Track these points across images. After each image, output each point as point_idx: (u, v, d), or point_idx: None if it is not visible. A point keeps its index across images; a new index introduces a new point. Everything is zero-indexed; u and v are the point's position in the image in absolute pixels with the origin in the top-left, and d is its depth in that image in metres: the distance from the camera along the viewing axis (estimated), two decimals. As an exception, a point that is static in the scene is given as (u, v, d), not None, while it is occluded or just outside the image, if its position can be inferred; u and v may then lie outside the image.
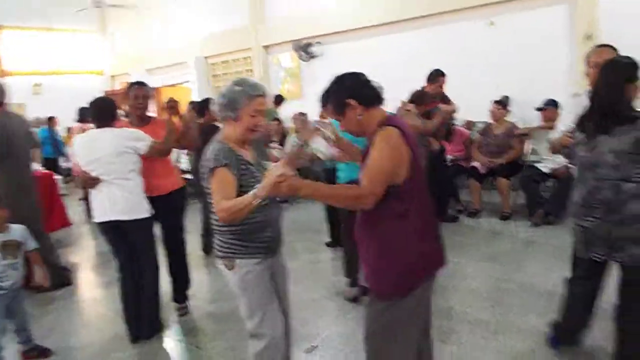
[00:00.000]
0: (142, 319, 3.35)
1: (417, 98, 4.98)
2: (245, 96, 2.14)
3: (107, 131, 3.19)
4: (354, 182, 1.89)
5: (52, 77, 13.07)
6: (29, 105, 12.35)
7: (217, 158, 2.10)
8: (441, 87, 5.39)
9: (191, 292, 3.87)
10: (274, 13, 10.02)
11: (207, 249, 5.10)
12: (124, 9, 12.00)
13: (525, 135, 5.71)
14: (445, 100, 5.38)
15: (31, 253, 3.17)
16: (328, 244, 5.01)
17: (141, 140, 3.23)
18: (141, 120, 3.52)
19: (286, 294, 2.50)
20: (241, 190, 2.08)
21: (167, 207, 3.50)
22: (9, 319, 3.07)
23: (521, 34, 6.74)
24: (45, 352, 3.25)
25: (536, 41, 6.55)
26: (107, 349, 3.33)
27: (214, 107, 2.29)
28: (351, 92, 1.91)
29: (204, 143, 2.43)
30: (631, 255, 2.30)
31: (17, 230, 3.12)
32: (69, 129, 10.51)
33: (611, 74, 2.34)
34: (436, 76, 5.36)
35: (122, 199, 3.15)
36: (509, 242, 4.76)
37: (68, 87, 12.62)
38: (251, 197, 1.94)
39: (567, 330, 2.80)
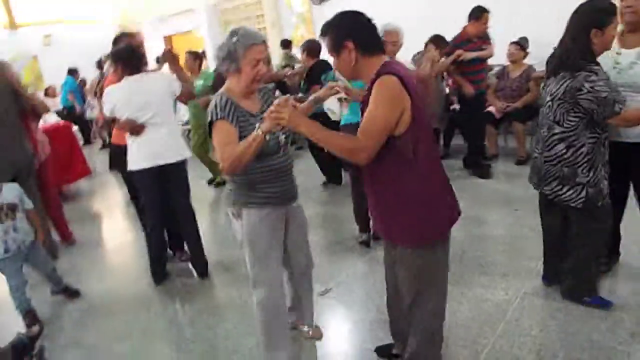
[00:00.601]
0: (196, 258, 3.58)
1: (434, 40, 4.85)
2: (241, 46, 2.07)
3: (151, 75, 3.28)
4: (356, 125, 1.82)
5: (61, 27, 12.93)
6: (41, 56, 12.34)
7: (215, 111, 2.08)
8: (485, 24, 4.87)
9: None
10: (284, -46, 9.68)
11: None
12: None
13: (542, 78, 5.55)
14: (486, 40, 5.00)
15: (27, 211, 3.12)
16: (324, 183, 5.39)
17: (176, 81, 3.36)
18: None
19: (304, 242, 2.53)
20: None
21: None
22: (35, 271, 3.21)
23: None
24: (74, 293, 3.45)
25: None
26: (132, 291, 3.51)
27: (216, 63, 2.26)
28: (350, 34, 1.79)
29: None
30: (552, 191, 2.59)
31: (10, 191, 3.03)
32: (83, 81, 10.56)
33: (574, 20, 2.41)
34: (480, 13, 4.83)
35: (172, 140, 3.28)
36: (524, 187, 4.74)
37: (78, 37, 12.49)
38: (254, 134, 1.94)
39: (549, 265, 2.93)
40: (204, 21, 11.49)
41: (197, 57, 5.76)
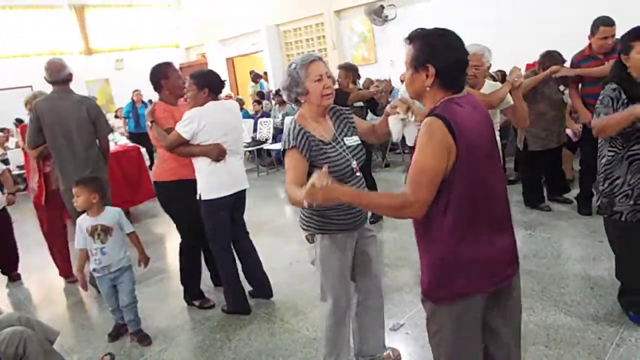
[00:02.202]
0: (262, 283, 3.57)
1: (543, 58, 4.46)
2: (300, 67, 2.14)
3: (227, 102, 3.38)
4: None
5: (132, 52, 13.61)
6: (113, 80, 13.03)
7: (288, 139, 2.15)
8: (604, 39, 3.98)
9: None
10: (346, -24, 9.73)
11: None
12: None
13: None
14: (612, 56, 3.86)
15: (129, 235, 3.21)
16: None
17: None
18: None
19: (374, 263, 2.49)
20: (313, 169, 2.07)
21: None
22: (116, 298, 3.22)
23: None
24: (145, 339, 3.24)
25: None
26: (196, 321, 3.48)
27: (283, 95, 2.29)
28: (438, 60, 1.60)
29: None
30: None
31: (108, 214, 3.12)
32: (150, 101, 10.95)
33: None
34: (596, 27, 4.04)
35: (242, 167, 3.35)
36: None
37: (147, 61, 13.03)
38: (300, 198, 1.83)
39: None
40: (265, 43, 11.71)
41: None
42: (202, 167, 3.15)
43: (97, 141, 4.02)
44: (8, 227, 4.54)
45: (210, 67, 13.87)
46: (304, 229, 2.35)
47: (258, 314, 3.43)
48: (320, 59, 2.19)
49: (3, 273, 4.67)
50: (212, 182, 3.15)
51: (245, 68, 13.01)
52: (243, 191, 3.37)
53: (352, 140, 2.27)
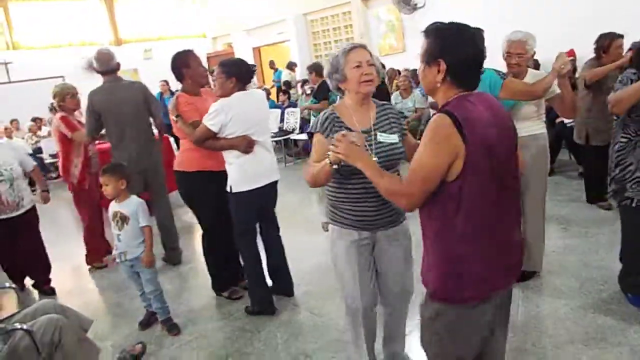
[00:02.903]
0: (285, 282, 3.50)
1: (598, 42, 4.10)
2: (341, 55, 2.15)
3: (255, 91, 3.29)
4: None
5: (160, 42, 13.73)
6: (141, 70, 13.15)
7: (315, 124, 2.21)
8: None
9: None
10: (374, -37, 9.57)
11: None
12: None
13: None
14: None
15: (142, 229, 3.13)
16: None
17: None
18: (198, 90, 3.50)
19: (392, 272, 2.35)
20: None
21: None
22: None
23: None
24: (174, 328, 3.25)
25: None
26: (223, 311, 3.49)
27: (328, 82, 2.31)
28: (449, 54, 1.56)
29: None
30: None
31: (130, 203, 3.12)
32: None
33: None
34: None
35: (273, 158, 3.27)
36: None
37: (174, 51, 13.13)
38: (324, 162, 1.96)
39: None
40: (292, 32, 11.65)
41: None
42: (232, 160, 3.09)
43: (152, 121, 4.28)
44: (36, 231, 4.09)
45: (236, 56, 13.93)
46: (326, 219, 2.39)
47: (287, 306, 3.42)
48: (363, 46, 2.19)
49: (34, 287, 4.22)
50: (242, 174, 3.09)
51: (273, 58, 13.00)
52: (274, 183, 3.28)
53: (387, 137, 2.19)
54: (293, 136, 8.37)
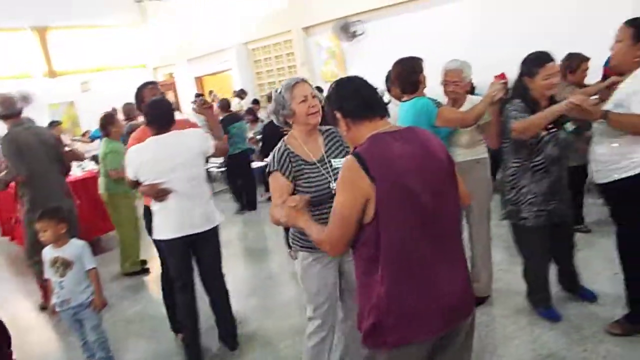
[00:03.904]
0: (228, 332, 3.27)
1: (567, 61, 4.12)
2: (285, 90, 2.23)
3: (180, 134, 2.92)
4: None
5: (99, 74, 13.33)
6: (78, 102, 12.70)
7: (273, 162, 2.23)
8: None
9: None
10: (313, -7, 9.76)
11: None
12: (164, 0, 12.04)
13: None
14: None
15: (89, 272, 2.97)
16: None
17: (209, 140, 3.02)
18: None
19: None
20: (297, 190, 2.20)
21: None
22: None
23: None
24: None
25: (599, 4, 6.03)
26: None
27: (272, 119, 2.38)
28: (337, 104, 1.69)
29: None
30: None
31: (72, 247, 2.96)
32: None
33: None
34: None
35: (201, 207, 2.96)
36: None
37: (114, 82, 12.82)
38: (277, 216, 2.01)
39: None
40: (234, 61, 11.64)
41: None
42: (152, 206, 2.99)
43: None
44: None
45: (178, 87, 13.72)
46: (290, 246, 2.42)
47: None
48: (304, 80, 2.28)
49: None
50: (157, 222, 2.98)
51: (214, 87, 12.91)
52: (205, 232, 2.99)
53: (340, 162, 2.22)
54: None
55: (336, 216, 1.57)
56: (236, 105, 10.98)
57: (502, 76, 4.56)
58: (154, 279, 4.78)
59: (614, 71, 2.97)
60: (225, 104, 7.28)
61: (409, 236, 1.53)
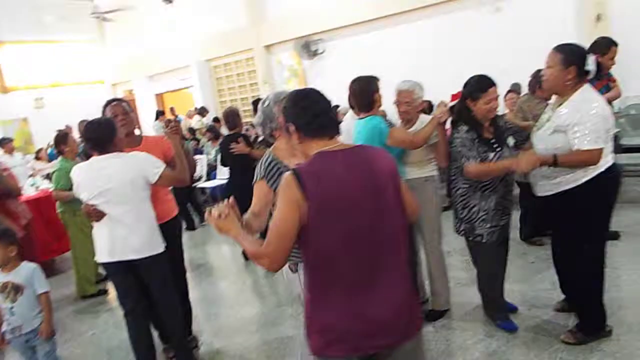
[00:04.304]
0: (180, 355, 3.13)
1: (536, 77, 4.15)
2: (273, 105, 2.26)
3: (116, 157, 2.80)
4: None
5: (54, 90, 12.96)
6: (32, 119, 12.30)
7: (259, 170, 2.19)
8: (613, 59, 4.15)
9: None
10: (274, 12, 9.87)
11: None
12: (123, 16, 11.87)
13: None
14: (611, 79, 4.25)
15: (40, 296, 2.86)
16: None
17: (155, 166, 2.85)
18: (130, 140, 3.11)
19: None
20: None
21: (164, 237, 3.01)
22: None
23: (528, 19, 6.58)
24: None
25: (543, 26, 6.35)
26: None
27: (258, 130, 2.40)
28: (292, 117, 1.71)
29: None
30: None
31: (22, 271, 2.84)
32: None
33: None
34: (608, 45, 4.12)
35: (135, 234, 2.81)
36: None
37: (70, 99, 12.49)
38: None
39: None
40: (195, 78, 11.58)
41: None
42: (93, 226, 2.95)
43: None
44: None
45: (138, 104, 13.48)
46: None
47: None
48: None
49: None
50: (97, 243, 2.92)
51: (175, 104, 12.78)
52: (145, 259, 2.85)
53: None
54: (200, 184, 8.15)
55: (274, 230, 1.57)
56: (197, 123, 10.91)
57: (459, 95, 4.72)
58: (112, 300, 4.64)
59: (547, 94, 3.28)
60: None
61: (339, 251, 1.57)
